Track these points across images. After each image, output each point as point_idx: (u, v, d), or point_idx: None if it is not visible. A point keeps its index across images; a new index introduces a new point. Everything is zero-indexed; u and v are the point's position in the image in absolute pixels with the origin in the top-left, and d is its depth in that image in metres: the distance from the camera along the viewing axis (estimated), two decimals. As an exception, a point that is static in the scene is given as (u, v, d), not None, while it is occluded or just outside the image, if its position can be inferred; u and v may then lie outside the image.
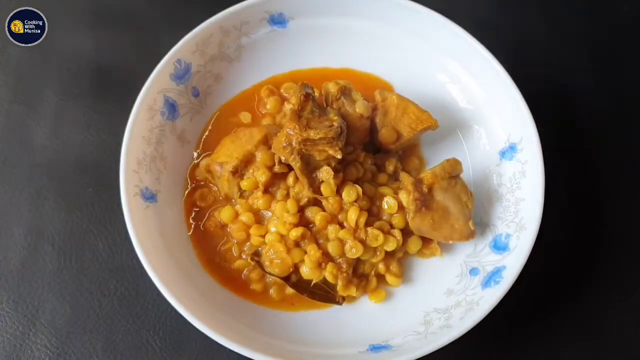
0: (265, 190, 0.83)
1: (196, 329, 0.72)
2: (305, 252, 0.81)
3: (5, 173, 0.93)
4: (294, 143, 0.78)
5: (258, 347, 0.73)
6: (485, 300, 0.77)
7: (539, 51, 1.06)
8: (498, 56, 0.88)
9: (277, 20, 0.94)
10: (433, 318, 0.80)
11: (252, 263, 0.83)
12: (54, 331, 0.84)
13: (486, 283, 0.80)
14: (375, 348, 0.78)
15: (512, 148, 0.87)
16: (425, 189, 0.81)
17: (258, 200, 0.83)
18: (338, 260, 0.81)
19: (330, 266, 0.80)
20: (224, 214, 0.85)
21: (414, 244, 0.84)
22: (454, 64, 0.93)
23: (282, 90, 0.94)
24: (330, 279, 0.80)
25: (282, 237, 0.82)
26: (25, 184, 0.92)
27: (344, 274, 0.81)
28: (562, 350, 0.86)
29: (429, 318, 0.80)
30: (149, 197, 0.82)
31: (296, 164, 0.78)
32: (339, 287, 0.81)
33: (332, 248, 0.81)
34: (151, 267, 0.75)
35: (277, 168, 0.81)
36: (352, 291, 0.81)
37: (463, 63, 0.92)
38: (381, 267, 0.83)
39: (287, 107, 0.85)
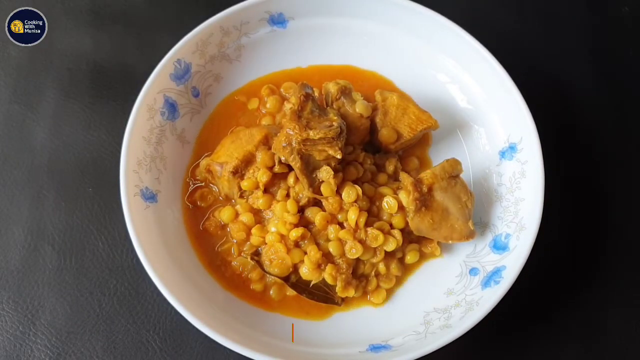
0: (266, 190, 0.83)
1: (196, 329, 0.72)
2: (305, 253, 0.81)
3: (5, 173, 0.93)
4: (293, 143, 0.78)
5: (258, 347, 0.73)
6: (485, 300, 0.77)
7: (538, 51, 1.06)
8: (498, 56, 0.88)
9: (277, 20, 0.94)
10: (433, 318, 0.80)
11: (252, 262, 0.83)
12: (54, 331, 0.84)
13: (486, 283, 0.80)
14: (375, 348, 0.78)
15: (512, 148, 0.87)
16: (425, 189, 0.81)
17: (258, 200, 0.83)
18: (338, 261, 0.81)
19: (329, 267, 0.80)
20: (224, 214, 0.85)
21: (412, 255, 0.85)
22: (454, 64, 0.93)
23: (282, 90, 0.94)
24: (329, 280, 0.80)
25: (282, 237, 0.82)
26: (25, 184, 0.92)
27: (343, 275, 0.81)
28: (562, 351, 0.86)
29: (429, 318, 0.80)
30: (149, 197, 0.82)
31: (296, 164, 0.78)
32: (337, 288, 0.81)
33: (332, 248, 0.81)
34: (151, 267, 0.75)
35: (277, 168, 0.81)
36: (351, 292, 0.81)
37: (463, 63, 0.92)
38: (381, 267, 0.83)
39: (287, 106, 0.85)
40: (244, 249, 0.84)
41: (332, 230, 0.81)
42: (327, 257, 0.81)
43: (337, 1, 0.93)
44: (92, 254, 0.88)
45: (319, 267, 0.81)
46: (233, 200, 0.87)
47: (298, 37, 0.95)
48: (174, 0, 1.07)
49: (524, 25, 1.09)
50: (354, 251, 0.80)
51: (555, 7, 1.10)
